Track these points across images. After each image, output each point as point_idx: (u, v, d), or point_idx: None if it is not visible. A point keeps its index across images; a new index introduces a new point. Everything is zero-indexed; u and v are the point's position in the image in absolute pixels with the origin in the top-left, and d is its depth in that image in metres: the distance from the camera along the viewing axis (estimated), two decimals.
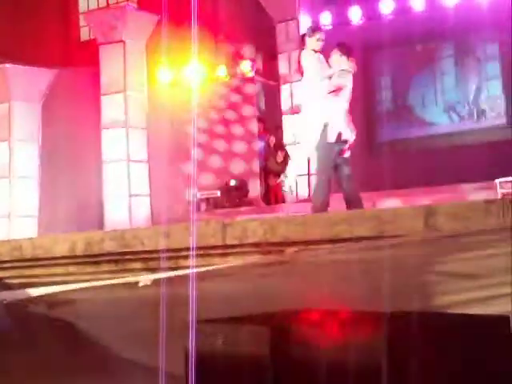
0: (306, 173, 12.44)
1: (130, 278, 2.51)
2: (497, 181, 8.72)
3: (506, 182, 8.56)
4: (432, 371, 1.91)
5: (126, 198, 12.24)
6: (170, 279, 2.97)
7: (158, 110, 12.39)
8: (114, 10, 13.36)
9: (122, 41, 12.31)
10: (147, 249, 4.15)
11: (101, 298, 2.33)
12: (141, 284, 2.37)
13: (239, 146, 12.62)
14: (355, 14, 12.32)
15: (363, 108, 12.26)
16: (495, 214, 2.85)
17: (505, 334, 2.04)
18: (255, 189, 12.98)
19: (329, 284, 2.45)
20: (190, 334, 2.05)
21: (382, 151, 11.95)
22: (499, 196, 8.23)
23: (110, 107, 12.36)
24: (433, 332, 1.96)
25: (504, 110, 11.58)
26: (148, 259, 4.16)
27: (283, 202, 12.48)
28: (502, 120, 11.60)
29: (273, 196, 12.98)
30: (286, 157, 12.60)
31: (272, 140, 13.15)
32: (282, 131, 12.75)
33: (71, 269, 4.47)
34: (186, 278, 2.73)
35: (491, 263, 2.56)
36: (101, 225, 11.98)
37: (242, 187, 12.86)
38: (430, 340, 1.93)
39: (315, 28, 7.23)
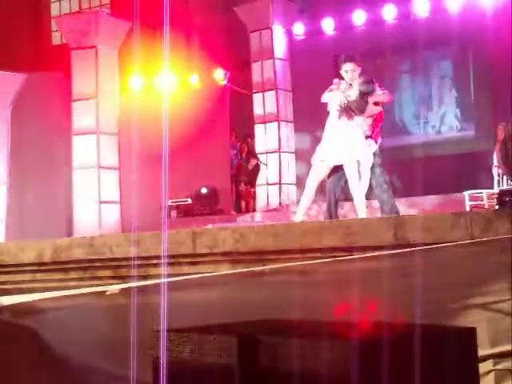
0: (277, 182, 12.48)
1: (98, 288, 2.48)
2: (465, 193, 8.81)
3: (475, 194, 8.65)
4: (394, 381, 1.91)
5: (96, 204, 12.15)
6: (139, 288, 2.95)
7: (130, 117, 12.32)
8: (87, 15, 13.28)
9: (94, 46, 12.24)
10: (116, 256, 4.12)
11: (67, 307, 2.30)
12: (108, 293, 2.34)
13: (211, 154, 12.61)
14: (328, 25, 12.41)
15: None
16: (463, 227, 2.88)
17: (470, 346, 2.05)
18: (226, 197, 12.97)
19: (300, 295, 2.46)
20: (161, 343, 2.04)
21: None
22: (468, 208, 8.32)
23: (81, 113, 12.27)
24: (398, 342, 1.97)
25: (473, 122, 11.74)
26: (117, 267, 4.13)
27: (254, 210, 12.49)
28: (471, 132, 11.76)
29: (244, 204, 12.99)
30: (257, 165, 12.63)
31: (243, 148, 13.18)
32: (253, 140, 12.78)
33: (39, 276, 4.42)
34: (155, 286, 2.71)
35: (460, 275, 2.59)
36: (70, 231, 11.87)
37: (212, 195, 12.84)
38: (395, 350, 1.94)
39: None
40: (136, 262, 3.68)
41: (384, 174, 6.51)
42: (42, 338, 2.22)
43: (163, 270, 3.19)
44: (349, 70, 6.59)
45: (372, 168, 6.36)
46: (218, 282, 2.60)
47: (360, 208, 6.08)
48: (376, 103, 6.59)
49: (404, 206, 8.82)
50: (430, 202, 9.41)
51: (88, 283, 3.74)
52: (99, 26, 12.23)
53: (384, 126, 11.83)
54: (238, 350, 1.95)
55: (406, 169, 11.30)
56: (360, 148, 6.31)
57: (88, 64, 12.22)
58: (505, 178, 7.95)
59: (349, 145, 6.26)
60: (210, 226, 6.65)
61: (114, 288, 2.37)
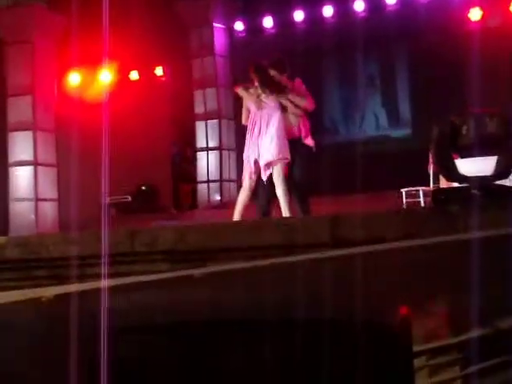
0: (218, 179, 12.48)
1: (33, 292, 2.43)
2: (402, 190, 8.98)
3: (411, 191, 8.83)
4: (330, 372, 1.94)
5: (33, 202, 11.90)
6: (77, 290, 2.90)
7: (68, 112, 12.10)
8: (23, 9, 12.95)
9: (30, 41, 11.97)
10: (53, 256, 4.03)
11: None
12: (44, 299, 2.30)
13: (151, 151, 12.50)
14: (268, 23, 12.46)
15: None
16: (399, 224, 2.93)
17: (405, 338, 2.10)
18: (167, 194, 12.89)
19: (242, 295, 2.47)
20: (102, 343, 2.01)
21: None
22: (404, 205, 8.49)
23: (17, 109, 11.99)
24: (335, 337, 2.00)
25: (410, 121, 11.96)
26: (54, 267, 4.04)
27: (195, 208, 12.45)
28: (408, 131, 11.98)
29: (185, 202, 12.93)
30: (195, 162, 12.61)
31: (184, 146, 13.12)
32: (195, 136, 12.74)
33: None
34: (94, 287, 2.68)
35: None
36: (5, 230, 11.59)
37: (153, 192, 12.74)
38: (332, 343, 1.97)
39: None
40: (73, 262, 3.62)
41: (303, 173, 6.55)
42: None
43: (103, 269, 3.14)
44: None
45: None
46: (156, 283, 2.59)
47: (283, 206, 6.13)
48: (296, 106, 6.59)
49: (339, 204, 8.92)
50: (365, 199, 9.55)
51: (23, 283, 3.65)
52: (36, 21, 11.97)
53: (316, 125, 11.96)
54: (182, 349, 1.95)
55: (341, 166, 11.48)
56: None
57: (24, 59, 11.94)
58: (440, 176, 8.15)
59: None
60: (150, 225, 6.60)
61: (50, 293, 2.33)
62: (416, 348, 2.11)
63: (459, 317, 2.47)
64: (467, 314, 2.40)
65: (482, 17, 10.58)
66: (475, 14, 10.62)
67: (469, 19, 10.63)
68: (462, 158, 3.94)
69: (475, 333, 2.37)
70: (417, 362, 2.13)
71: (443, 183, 5.97)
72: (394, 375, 2.06)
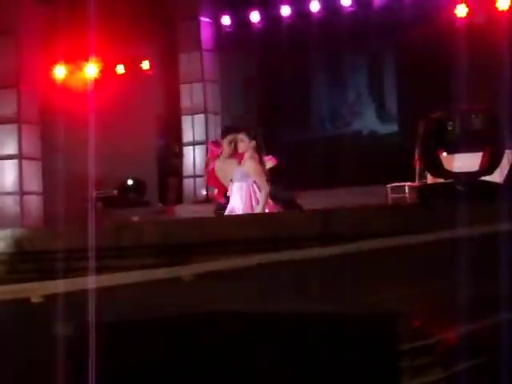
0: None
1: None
2: (388, 186, 9.02)
3: (397, 186, 8.87)
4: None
5: (18, 196, 11.82)
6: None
7: (53, 105, 12.03)
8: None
9: (14, 32, 11.85)
10: (38, 249, 4.01)
11: None
12: (33, 300, 2.29)
13: (138, 145, 12.45)
14: (255, 17, 12.43)
15: (261, 109, 12.43)
16: (387, 218, 2.94)
17: (391, 332, 2.10)
18: (153, 188, 12.86)
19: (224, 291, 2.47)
20: (90, 339, 2.01)
21: (279, 155, 12.10)
22: (390, 201, 8.52)
23: (2, 101, 11.89)
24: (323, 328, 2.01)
25: (397, 118, 12.00)
26: (39, 261, 4.03)
27: (181, 202, 12.42)
28: (394, 128, 12.01)
29: (171, 196, 12.90)
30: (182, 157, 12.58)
31: (171, 140, 13.09)
32: (181, 131, 12.71)
33: None
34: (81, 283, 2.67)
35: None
36: None
37: (139, 187, 12.71)
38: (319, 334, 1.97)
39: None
40: (59, 256, 3.60)
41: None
42: None
43: (89, 263, 3.13)
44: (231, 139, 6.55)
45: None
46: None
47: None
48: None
49: (326, 198, 8.95)
50: (352, 194, 9.58)
51: (8, 277, 3.63)
52: (21, 12, 11.86)
53: (303, 120, 11.89)
54: (172, 343, 1.94)
55: (328, 162, 11.51)
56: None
57: (9, 51, 11.83)
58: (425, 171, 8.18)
59: None
60: (135, 219, 6.59)
61: (38, 294, 2.32)
62: (400, 348, 2.11)
63: (443, 315, 2.48)
64: (452, 312, 2.41)
65: (468, 13, 10.62)
66: (461, 11, 10.67)
67: (455, 15, 10.67)
68: (448, 154, 3.95)
69: (459, 332, 2.38)
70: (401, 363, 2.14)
71: (430, 179, 6.00)
72: (379, 376, 2.07)
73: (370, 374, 1.99)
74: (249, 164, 5.96)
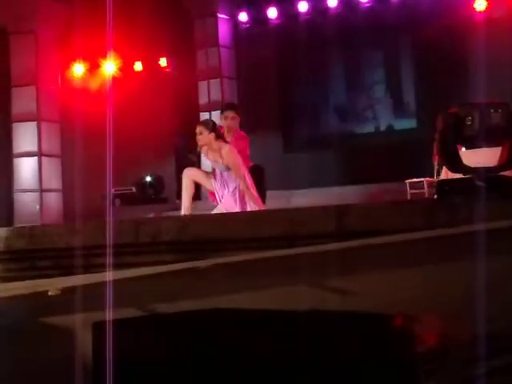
0: None
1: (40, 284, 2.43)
2: (406, 181, 8.97)
3: (415, 182, 8.82)
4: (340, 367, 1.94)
5: (38, 193, 11.92)
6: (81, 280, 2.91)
7: (72, 103, 12.10)
8: None
9: (33, 31, 11.94)
10: (58, 247, 4.04)
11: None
12: (50, 293, 2.31)
13: (156, 142, 12.50)
14: (272, 13, 12.42)
15: (279, 106, 12.40)
16: (405, 215, 2.92)
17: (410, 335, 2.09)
18: (171, 185, 12.89)
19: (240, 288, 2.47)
20: (108, 335, 2.02)
21: (297, 151, 12.10)
22: (409, 196, 8.48)
23: (21, 99, 12.00)
24: (344, 330, 2.00)
25: (414, 112, 11.93)
26: (58, 257, 4.05)
27: (199, 199, 12.44)
28: (412, 124, 11.95)
29: None
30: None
31: (189, 137, 13.10)
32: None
33: None
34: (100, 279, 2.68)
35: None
36: (10, 221, 11.61)
37: (157, 183, 12.75)
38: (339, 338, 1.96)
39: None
40: (78, 252, 3.62)
41: None
42: None
43: (108, 260, 3.15)
44: (229, 116, 6.59)
45: None
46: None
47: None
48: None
49: (344, 195, 8.93)
50: (370, 190, 9.55)
51: (27, 274, 3.66)
52: (38, 10, 11.94)
53: (323, 116, 11.84)
54: (186, 340, 1.94)
55: (346, 158, 11.48)
56: None
57: (27, 48, 11.92)
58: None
59: None
60: (152, 215, 6.62)
61: (56, 287, 2.33)
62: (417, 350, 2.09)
63: (458, 316, 2.46)
64: (468, 313, 2.39)
65: (487, 7, 10.54)
66: (480, 5, 10.58)
67: (474, 9, 10.58)
68: (467, 149, 3.93)
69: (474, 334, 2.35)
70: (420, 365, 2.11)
71: (444, 175, 5.96)
72: (399, 368, 2.06)
73: (387, 375, 1.98)
74: (227, 157, 5.98)
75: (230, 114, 6.69)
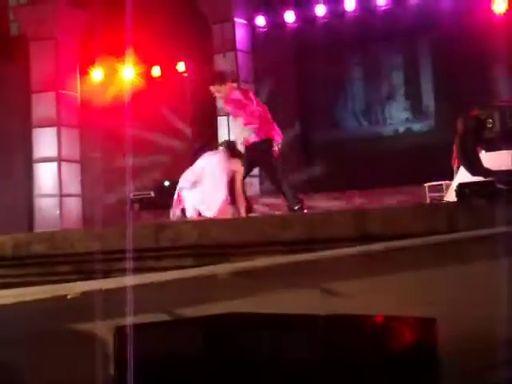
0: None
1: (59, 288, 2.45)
2: (425, 185, 8.90)
3: (435, 185, 8.75)
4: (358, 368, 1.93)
5: (57, 198, 12.00)
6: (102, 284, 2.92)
7: (91, 108, 12.18)
8: (45, 5, 13.04)
9: (53, 37, 12.04)
10: (78, 251, 4.06)
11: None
12: (69, 296, 2.32)
13: (174, 147, 12.54)
14: (289, 17, 12.41)
15: (296, 109, 12.40)
16: (424, 218, 2.90)
17: (430, 336, 2.08)
18: None
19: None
20: (128, 338, 2.02)
21: (315, 154, 12.08)
22: (428, 200, 8.41)
23: (41, 105, 12.09)
24: (362, 333, 1.99)
25: (433, 114, 11.86)
26: (78, 262, 4.07)
27: None
28: (431, 126, 11.87)
29: None
30: None
31: (207, 142, 13.12)
32: (216, 131, 12.74)
33: None
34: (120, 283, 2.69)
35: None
36: (31, 226, 11.70)
37: (175, 188, 12.76)
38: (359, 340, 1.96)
39: None
40: (98, 257, 3.64)
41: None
42: None
43: (128, 264, 3.16)
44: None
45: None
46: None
47: None
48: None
49: (362, 199, 8.89)
50: (389, 194, 9.50)
51: (48, 279, 3.68)
52: (58, 16, 12.04)
53: (341, 119, 11.85)
54: (205, 343, 1.95)
55: (364, 161, 11.43)
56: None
57: (47, 55, 12.02)
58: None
59: None
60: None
61: (76, 291, 2.35)
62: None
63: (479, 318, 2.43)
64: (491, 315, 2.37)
65: (507, 9, 10.46)
66: (499, 7, 10.51)
67: (492, 11, 10.51)
68: (487, 151, 3.89)
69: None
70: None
71: (461, 177, 5.91)
72: (419, 369, 2.05)
73: (408, 378, 1.97)
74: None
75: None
